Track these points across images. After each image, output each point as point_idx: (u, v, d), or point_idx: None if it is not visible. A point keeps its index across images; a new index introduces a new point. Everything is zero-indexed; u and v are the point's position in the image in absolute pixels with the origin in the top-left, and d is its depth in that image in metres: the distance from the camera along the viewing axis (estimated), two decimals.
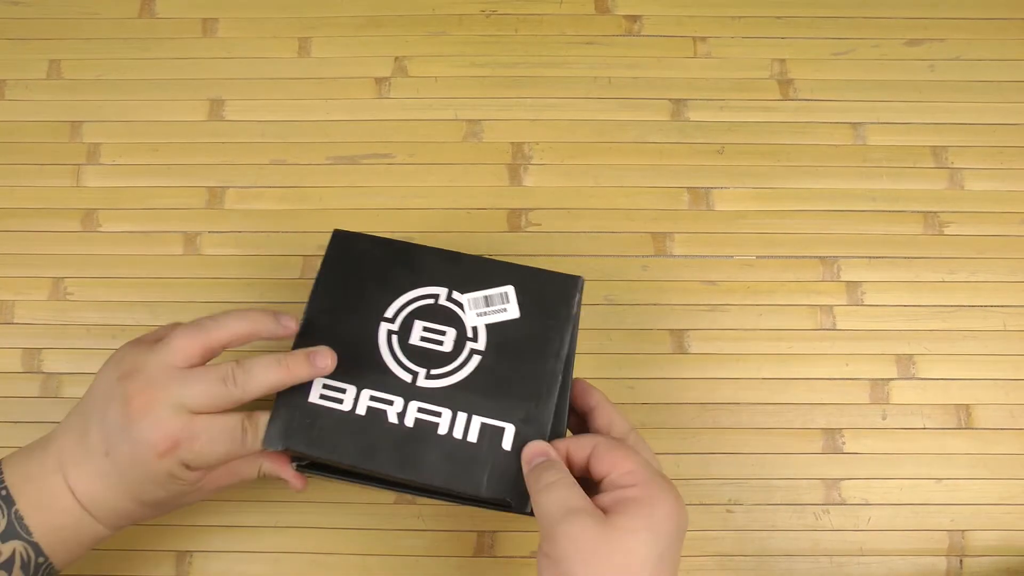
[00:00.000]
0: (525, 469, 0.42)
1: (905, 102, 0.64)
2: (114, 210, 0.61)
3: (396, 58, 0.64)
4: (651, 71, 0.64)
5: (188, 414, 0.40)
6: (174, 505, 0.44)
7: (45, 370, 0.58)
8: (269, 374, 0.41)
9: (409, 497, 0.55)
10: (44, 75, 0.64)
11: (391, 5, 0.65)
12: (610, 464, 0.39)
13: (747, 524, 0.56)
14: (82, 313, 0.59)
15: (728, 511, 0.56)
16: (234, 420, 0.42)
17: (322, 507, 0.55)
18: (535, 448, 0.42)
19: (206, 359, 0.43)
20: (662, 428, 0.57)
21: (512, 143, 0.62)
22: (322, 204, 0.61)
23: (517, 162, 0.62)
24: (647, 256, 0.60)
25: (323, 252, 0.49)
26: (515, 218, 0.61)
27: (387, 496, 0.55)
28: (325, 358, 0.43)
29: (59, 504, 0.40)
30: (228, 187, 0.62)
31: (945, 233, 0.61)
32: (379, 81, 0.64)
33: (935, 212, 0.61)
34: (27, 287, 0.60)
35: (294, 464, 0.46)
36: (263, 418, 0.43)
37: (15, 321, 0.59)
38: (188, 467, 0.41)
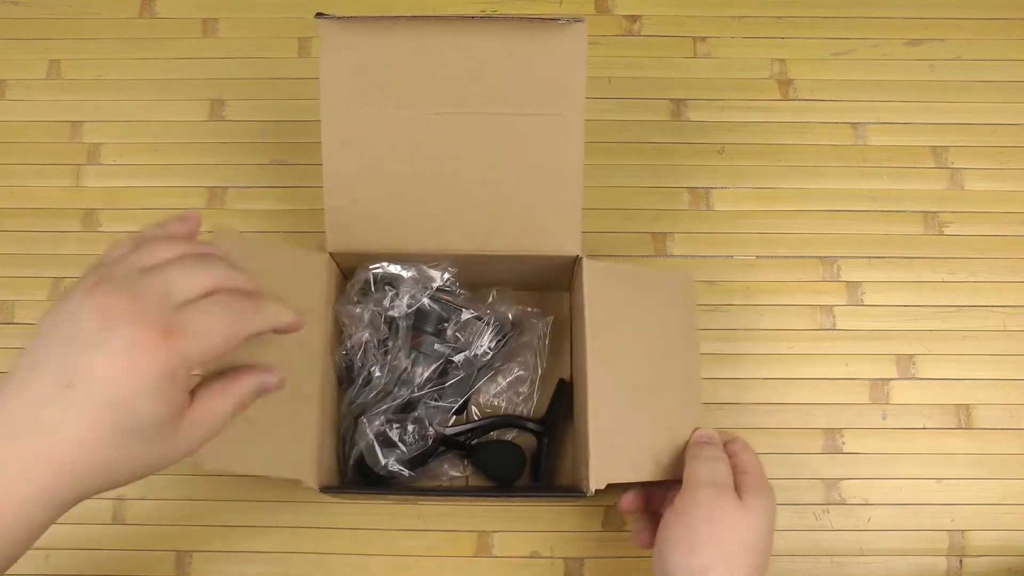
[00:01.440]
0: (692, 442, 0.48)
1: (905, 102, 0.64)
2: (114, 210, 0.61)
3: None
4: (651, 71, 0.64)
5: (175, 304, 0.33)
6: (167, 450, 0.35)
7: None
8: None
9: (409, 497, 0.55)
10: (44, 75, 0.64)
11: (391, 5, 0.65)
12: (742, 456, 0.47)
13: None
14: None
15: None
16: (230, 294, 0.35)
17: (322, 507, 0.55)
18: (704, 433, 0.49)
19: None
20: None
21: None
22: (322, 204, 0.61)
23: None
24: (647, 256, 0.60)
25: (323, 252, 0.49)
26: None
27: (387, 496, 0.55)
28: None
29: None
30: (228, 187, 0.62)
31: (945, 233, 0.61)
32: None
33: (935, 212, 0.61)
34: (27, 287, 0.60)
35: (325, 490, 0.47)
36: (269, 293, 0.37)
37: (15, 321, 0.59)
38: (186, 364, 0.33)
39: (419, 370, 0.52)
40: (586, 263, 0.48)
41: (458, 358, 0.52)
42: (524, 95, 0.45)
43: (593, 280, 0.47)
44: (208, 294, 0.34)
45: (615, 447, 0.45)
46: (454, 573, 0.54)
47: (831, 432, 0.57)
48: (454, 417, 0.53)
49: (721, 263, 0.60)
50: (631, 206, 0.61)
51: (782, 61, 0.64)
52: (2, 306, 0.59)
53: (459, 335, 0.52)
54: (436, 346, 0.52)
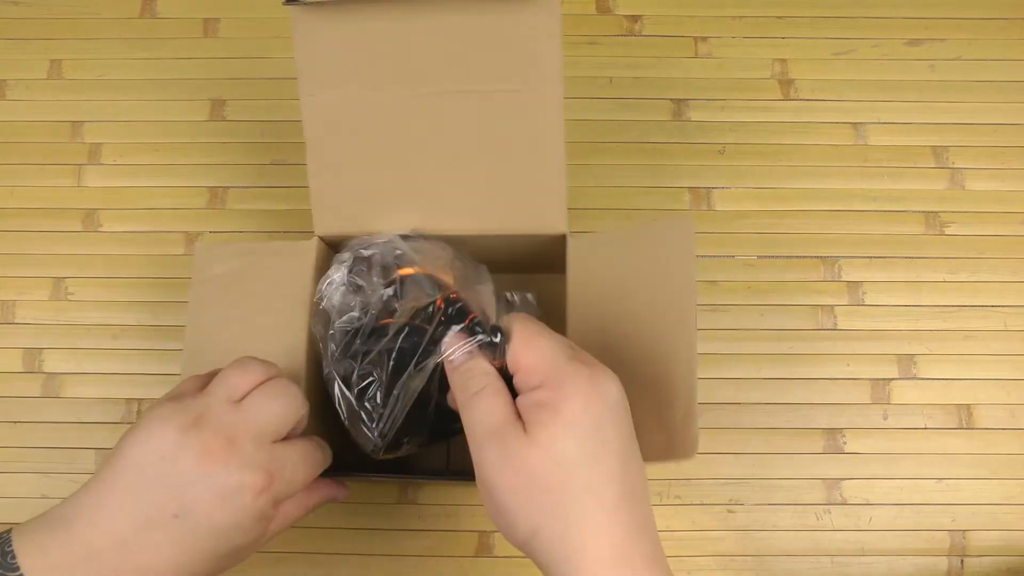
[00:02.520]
0: (448, 369, 0.38)
1: (906, 102, 0.64)
2: (115, 210, 0.61)
3: None
4: (652, 71, 0.64)
5: (269, 444, 0.38)
6: (245, 555, 0.40)
7: (46, 370, 0.58)
8: None
9: (410, 497, 0.55)
10: (45, 75, 0.64)
11: None
12: (514, 361, 0.36)
13: (748, 524, 0.55)
14: (83, 313, 0.59)
15: (729, 511, 0.56)
16: (308, 441, 0.41)
17: (322, 507, 0.55)
18: (456, 341, 0.38)
19: None
20: None
21: None
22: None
23: None
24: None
25: (311, 238, 0.49)
26: None
27: (387, 496, 0.55)
28: None
29: None
30: (229, 187, 0.62)
31: (946, 233, 0.61)
32: None
33: (936, 212, 0.61)
34: (28, 287, 0.60)
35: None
36: (319, 441, 0.43)
37: (16, 321, 0.59)
38: (276, 501, 0.39)
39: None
40: (571, 239, 0.47)
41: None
42: (499, 72, 0.45)
43: (578, 256, 0.46)
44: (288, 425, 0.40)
45: None
46: (454, 573, 0.54)
47: (832, 432, 0.57)
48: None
49: (722, 263, 0.60)
50: (632, 206, 0.61)
51: (783, 61, 0.64)
52: (2, 306, 0.59)
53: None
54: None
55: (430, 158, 0.47)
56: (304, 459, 0.40)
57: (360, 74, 0.45)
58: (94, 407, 0.57)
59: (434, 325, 0.42)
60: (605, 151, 0.62)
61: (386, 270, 0.46)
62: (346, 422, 0.44)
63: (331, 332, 0.45)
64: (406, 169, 0.47)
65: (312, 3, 0.43)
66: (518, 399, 0.35)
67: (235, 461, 0.36)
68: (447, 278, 0.45)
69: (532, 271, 0.56)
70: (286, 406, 0.39)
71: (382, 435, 0.43)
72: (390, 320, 0.43)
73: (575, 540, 0.32)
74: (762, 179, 0.62)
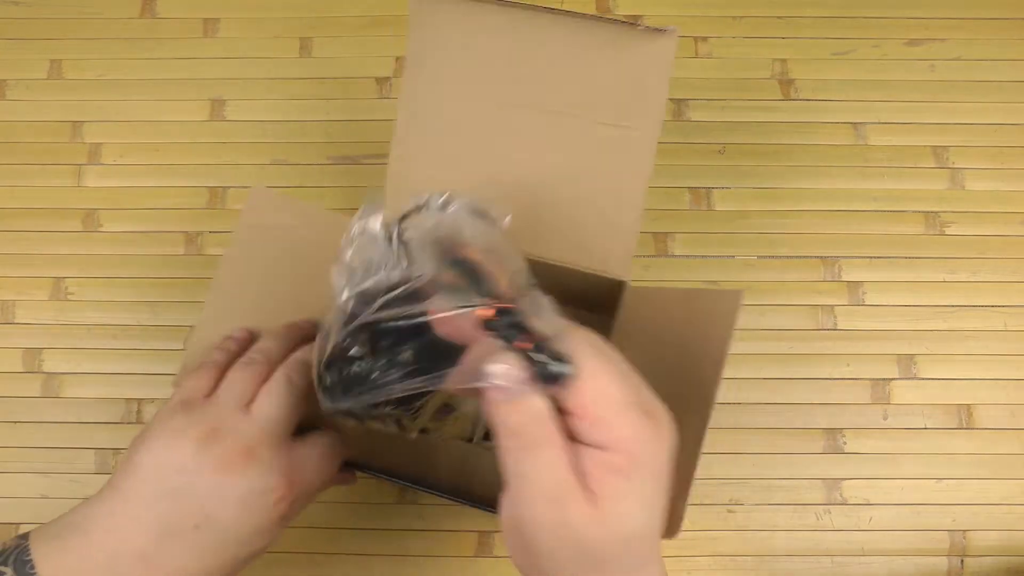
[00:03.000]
0: (492, 401, 0.29)
1: (906, 102, 0.64)
2: (115, 210, 0.61)
3: (397, 58, 0.64)
4: None
5: (286, 445, 0.39)
6: (261, 554, 0.40)
7: (46, 370, 0.58)
8: (306, 352, 0.40)
9: (411, 497, 0.55)
10: (45, 75, 0.64)
11: (392, 5, 0.65)
12: (580, 405, 0.29)
13: (748, 524, 0.55)
14: (83, 313, 0.59)
15: (729, 511, 0.56)
16: (325, 438, 0.41)
17: (322, 507, 0.55)
18: (507, 368, 0.29)
19: None
20: None
21: None
22: (322, 204, 0.61)
23: None
24: (648, 256, 0.60)
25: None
26: None
27: (388, 496, 0.55)
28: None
29: None
30: (229, 187, 0.62)
31: (946, 233, 0.61)
32: (380, 81, 0.64)
33: (936, 212, 0.61)
34: (28, 287, 0.60)
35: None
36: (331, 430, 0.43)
37: (16, 321, 0.59)
38: (296, 502, 0.39)
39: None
40: (627, 289, 0.45)
41: None
42: (604, 103, 0.44)
43: (629, 306, 0.45)
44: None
45: None
46: (455, 573, 0.54)
47: (832, 432, 0.57)
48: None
49: (722, 263, 0.60)
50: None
51: (783, 61, 0.64)
52: (2, 306, 0.59)
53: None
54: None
55: (513, 172, 0.45)
56: (323, 458, 0.41)
57: (465, 75, 0.44)
58: (94, 407, 0.57)
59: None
60: None
61: (441, 245, 0.35)
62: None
63: (348, 290, 0.37)
64: (482, 176, 0.45)
65: None
66: (581, 452, 0.29)
67: (254, 470, 0.37)
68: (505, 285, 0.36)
69: (572, 304, 0.53)
70: (294, 405, 0.39)
71: (336, 410, 0.37)
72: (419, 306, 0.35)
73: None
74: (762, 179, 0.62)
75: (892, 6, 0.66)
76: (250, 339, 0.43)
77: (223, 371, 0.40)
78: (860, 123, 0.63)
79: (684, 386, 0.42)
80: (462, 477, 0.45)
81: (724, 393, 0.57)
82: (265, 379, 0.40)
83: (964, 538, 0.55)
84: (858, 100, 0.64)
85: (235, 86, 0.64)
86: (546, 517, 0.29)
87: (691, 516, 0.56)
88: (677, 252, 0.60)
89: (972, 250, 0.60)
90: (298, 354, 0.41)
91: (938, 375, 0.58)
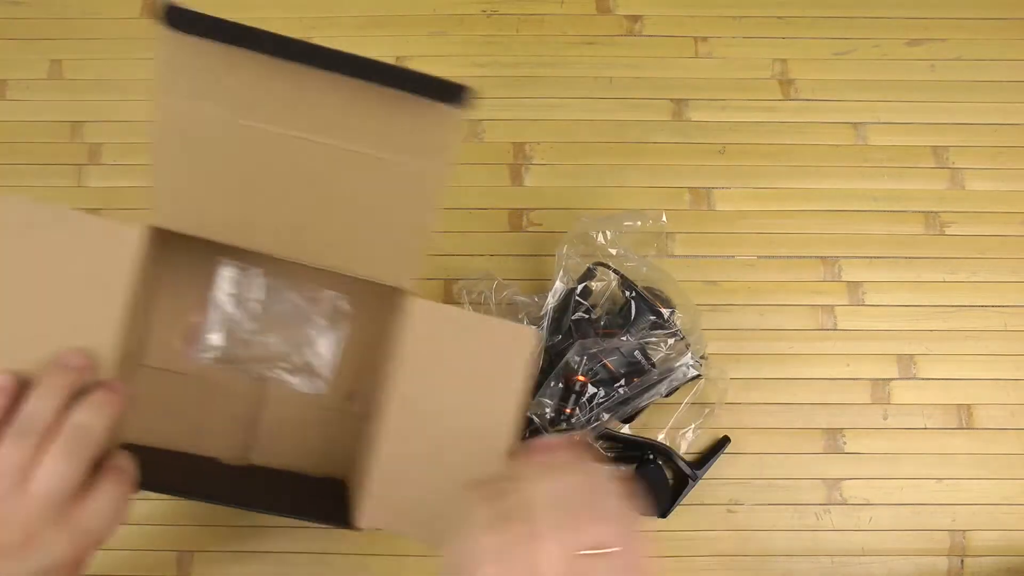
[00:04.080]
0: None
1: (906, 102, 0.64)
2: (116, 210, 0.61)
3: (397, 58, 0.64)
4: (652, 71, 0.64)
5: (74, 510, 0.35)
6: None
7: None
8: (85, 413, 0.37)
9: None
10: (45, 75, 0.64)
11: (392, 5, 0.65)
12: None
13: (748, 524, 0.56)
14: None
15: (729, 511, 0.56)
16: (114, 478, 0.37)
17: None
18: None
19: None
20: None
21: (513, 143, 0.62)
22: None
23: (518, 162, 0.62)
24: (649, 256, 0.60)
25: (137, 226, 0.45)
26: (516, 218, 0.61)
27: None
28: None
29: None
30: None
31: (946, 233, 0.61)
32: None
33: (936, 212, 0.61)
34: None
35: None
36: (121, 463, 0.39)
37: None
38: (86, 561, 0.37)
39: (610, 360, 0.52)
40: (418, 303, 0.43)
41: (654, 372, 0.53)
42: (392, 145, 0.41)
43: (420, 320, 0.43)
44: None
45: (396, 496, 0.42)
46: None
47: (832, 432, 0.57)
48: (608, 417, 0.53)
49: (722, 263, 0.60)
50: (633, 206, 0.61)
51: (783, 61, 0.64)
52: None
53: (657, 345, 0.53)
54: (637, 353, 0.52)
55: (294, 191, 0.42)
56: (117, 509, 0.37)
57: (231, 104, 0.40)
58: None
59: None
60: (606, 151, 0.62)
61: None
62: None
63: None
64: (263, 192, 0.42)
65: (190, 31, 0.37)
66: None
67: (36, 556, 0.34)
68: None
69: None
70: (79, 472, 0.35)
71: None
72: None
73: None
74: (762, 179, 0.62)
75: (892, 6, 0.66)
76: (16, 388, 0.37)
77: None
78: (860, 123, 0.63)
79: (480, 416, 0.42)
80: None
81: (725, 393, 0.57)
82: (41, 449, 0.35)
83: (964, 538, 0.55)
84: (858, 100, 0.64)
85: None
86: None
87: (691, 516, 0.56)
88: (677, 252, 0.60)
89: (972, 250, 0.60)
90: (75, 419, 0.36)
91: (938, 375, 0.58)
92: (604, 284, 0.56)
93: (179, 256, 0.45)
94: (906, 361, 0.58)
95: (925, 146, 0.63)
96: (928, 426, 0.57)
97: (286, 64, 0.37)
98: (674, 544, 0.55)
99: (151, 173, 0.40)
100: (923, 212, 0.61)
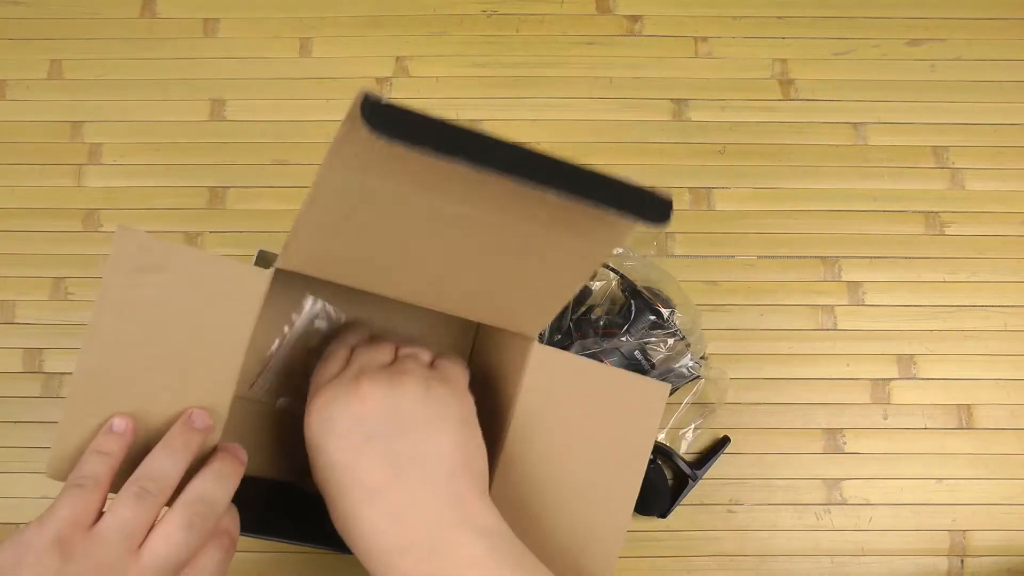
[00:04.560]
0: None
1: (906, 102, 0.64)
2: (115, 210, 0.61)
3: (397, 58, 0.64)
4: (652, 71, 0.64)
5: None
6: None
7: (46, 370, 0.58)
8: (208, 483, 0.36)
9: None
10: (45, 75, 0.64)
11: (392, 5, 0.65)
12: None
13: (748, 524, 0.56)
14: (83, 313, 0.59)
15: (729, 511, 0.56)
16: (220, 550, 0.35)
17: None
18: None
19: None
20: (663, 427, 0.57)
21: None
22: None
23: None
24: (649, 256, 0.60)
25: (264, 269, 0.42)
26: None
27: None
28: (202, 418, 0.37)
29: None
30: (229, 187, 0.62)
31: (946, 233, 0.61)
32: (380, 81, 0.64)
33: (936, 212, 0.61)
34: (28, 287, 0.60)
35: None
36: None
37: (16, 321, 0.59)
38: None
39: (610, 360, 0.52)
40: (538, 348, 0.40)
41: (654, 373, 0.52)
42: (565, 229, 0.38)
43: (539, 366, 0.40)
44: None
45: None
46: None
47: (832, 432, 0.57)
48: None
49: (722, 263, 0.60)
50: None
51: (783, 61, 0.64)
52: (2, 306, 0.59)
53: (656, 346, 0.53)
54: (637, 353, 0.52)
55: (443, 253, 0.38)
56: (217, 571, 0.35)
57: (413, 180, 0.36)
58: None
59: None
60: (605, 151, 0.62)
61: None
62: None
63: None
64: (416, 251, 0.38)
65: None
66: None
67: None
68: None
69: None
70: (192, 548, 0.34)
71: None
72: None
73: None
74: (762, 179, 0.62)
75: (892, 6, 0.66)
76: (134, 433, 0.36)
77: (106, 490, 0.34)
78: (860, 123, 0.63)
79: (606, 470, 0.40)
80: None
81: (725, 393, 0.57)
82: (158, 513, 0.34)
83: (964, 538, 0.55)
84: (858, 100, 0.64)
85: (235, 86, 0.64)
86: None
87: (691, 516, 0.56)
88: (677, 252, 0.60)
89: (972, 250, 0.60)
90: (199, 489, 0.35)
91: (938, 375, 0.58)
92: (604, 284, 0.56)
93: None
94: (906, 361, 0.58)
95: (925, 146, 0.63)
96: (928, 426, 0.57)
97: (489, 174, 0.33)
98: (674, 544, 0.55)
99: (297, 222, 0.37)
100: (923, 212, 0.61)
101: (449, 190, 0.35)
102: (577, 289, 0.40)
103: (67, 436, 0.35)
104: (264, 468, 0.44)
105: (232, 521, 0.37)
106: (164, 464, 0.35)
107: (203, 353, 0.37)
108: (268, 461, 0.45)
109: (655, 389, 0.40)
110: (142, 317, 0.36)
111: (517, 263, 0.38)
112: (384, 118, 0.31)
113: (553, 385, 0.40)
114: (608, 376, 0.41)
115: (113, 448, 0.35)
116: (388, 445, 0.36)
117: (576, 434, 0.40)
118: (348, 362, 0.40)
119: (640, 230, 0.60)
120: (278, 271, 0.38)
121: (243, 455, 0.38)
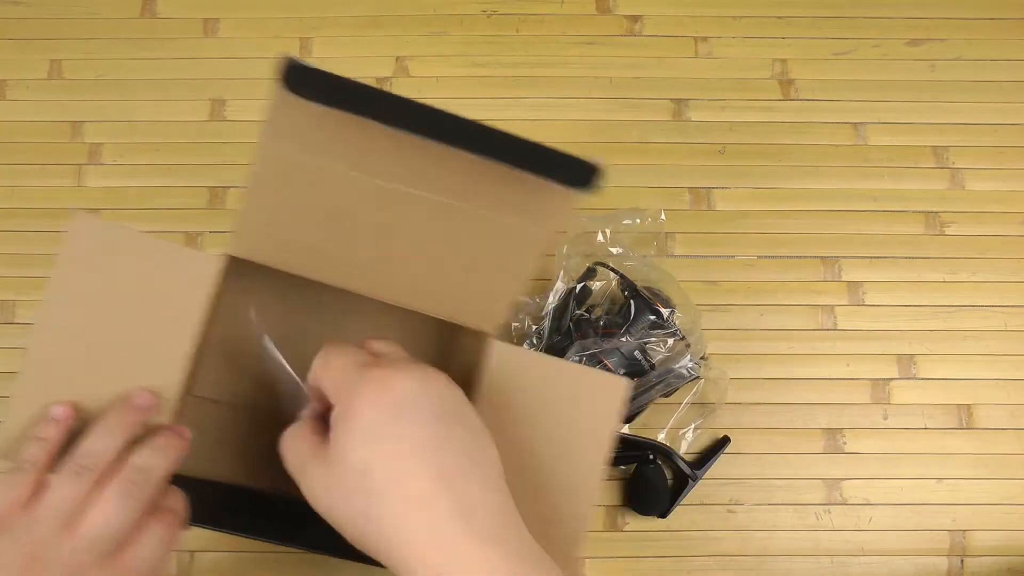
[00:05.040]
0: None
1: (906, 102, 0.64)
2: (115, 210, 0.61)
3: (397, 58, 0.64)
4: (652, 71, 0.64)
5: (120, 558, 0.34)
6: None
7: None
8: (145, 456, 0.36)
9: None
10: (45, 75, 0.64)
11: (392, 5, 0.65)
12: (314, 387, 0.36)
13: (748, 524, 0.56)
14: None
15: (729, 511, 0.56)
16: (166, 526, 0.36)
17: None
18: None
19: None
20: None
21: None
22: None
23: None
24: (649, 256, 0.60)
25: (217, 255, 0.42)
26: None
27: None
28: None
29: None
30: (229, 187, 0.62)
31: (946, 233, 0.61)
32: (380, 81, 0.64)
33: (936, 212, 0.61)
34: (28, 287, 0.60)
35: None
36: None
37: (16, 321, 0.59)
38: None
39: (610, 360, 0.52)
40: (498, 345, 0.41)
41: (654, 373, 0.52)
42: (501, 208, 0.39)
43: (501, 363, 0.41)
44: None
45: None
46: None
47: (832, 432, 0.57)
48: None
49: (722, 263, 0.60)
50: (632, 206, 0.61)
51: (783, 61, 0.64)
52: (2, 306, 0.59)
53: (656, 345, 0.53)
54: (636, 353, 0.52)
55: (392, 237, 0.40)
56: (161, 547, 0.35)
57: (339, 153, 0.37)
58: None
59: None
60: (606, 151, 0.62)
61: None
62: None
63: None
64: (359, 236, 0.40)
65: (305, 92, 0.36)
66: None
67: None
68: None
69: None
70: (131, 519, 0.34)
71: None
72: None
73: (393, 536, 0.31)
74: (762, 179, 0.62)
75: (892, 6, 0.66)
76: (74, 420, 0.36)
77: (43, 471, 0.34)
78: (860, 123, 0.63)
79: (568, 461, 0.41)
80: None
81: (725, 393, 0.57)
82: (97, 489, 0.34)
83: (964, 538, 0.55)
84: (858, 100, 0.64)
85: (235, 86, 0.64)
86: (306, 483, 0.34)
87: (691, 516, 0.56)
88: (677, 252, 0.60)
89: (972, 250, 0.60)
90: (135, 460, 0.35)
91: (938, 375, 0.58)
92: (604, 284, 0.56)
93: (229, 282, 0.41)
94: (906, 361, 0.58)
95: (925, 146, 0.63)
96: (928, 426, 0.57)
97: (410, 136, 0.35)
98: (674, 544, 0.55)
99: (242, 206, 0.38)
100: (923, 212, 0.61)
101: (384, 167, 0.37)
102: (526, 277, 0.41)
103: (15, 420, 0.37)
104: (222, 471, 0.44)
105: (176, 500, 0.37)
106: (99, 443, 0.35)
107: (151, 338, 0.38)
108: (227, 463, 0.45)
109: (614, 383, 0.41)
110: (91, 303, 0.37)
111: (461, 248, 0.39)
112: (302, 79, 0.34)
113: (514, 381, 0.41)
114: (568, 372, 0.42)
115: (51, 434, 0.35)
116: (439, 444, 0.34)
117: (539, 428, 0.41)
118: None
119: (640, 230, 0.60)
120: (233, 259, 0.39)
121: (186, 432, 0.38)
